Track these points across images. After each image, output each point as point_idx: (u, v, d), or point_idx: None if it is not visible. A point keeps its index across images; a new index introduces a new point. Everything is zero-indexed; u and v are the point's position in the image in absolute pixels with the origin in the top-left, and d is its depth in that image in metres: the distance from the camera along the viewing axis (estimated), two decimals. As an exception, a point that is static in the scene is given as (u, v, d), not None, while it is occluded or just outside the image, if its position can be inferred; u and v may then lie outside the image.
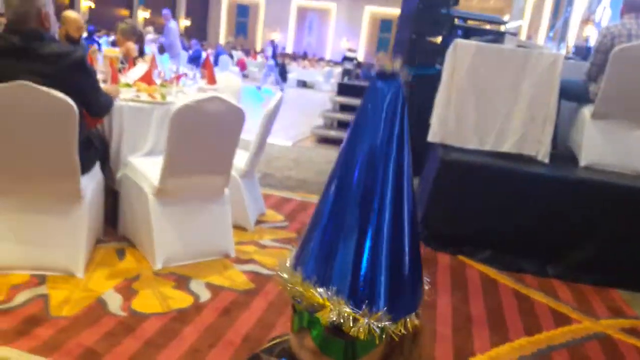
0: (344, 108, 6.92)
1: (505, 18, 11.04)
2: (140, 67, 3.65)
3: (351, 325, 0.62)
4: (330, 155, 5.29)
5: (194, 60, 11.06)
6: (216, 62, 12.49)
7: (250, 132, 2.97)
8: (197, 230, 2.60)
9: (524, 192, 3.00)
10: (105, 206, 2.71)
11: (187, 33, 18.24)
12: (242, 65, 16.17)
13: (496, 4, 18.32)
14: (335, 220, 0.66)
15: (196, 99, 2.33)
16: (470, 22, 5.45)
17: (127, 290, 2.24)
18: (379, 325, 0.63)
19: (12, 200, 2.24)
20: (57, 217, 2.29)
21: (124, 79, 3.26)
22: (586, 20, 8.74)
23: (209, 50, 14.61)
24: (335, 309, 0.63)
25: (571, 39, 9.34)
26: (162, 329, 1.99)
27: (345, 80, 8.93)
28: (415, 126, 3.20)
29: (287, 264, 0.70)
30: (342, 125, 6.66)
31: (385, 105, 0.66)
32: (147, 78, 3.17)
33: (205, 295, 2.28)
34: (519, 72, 3.16)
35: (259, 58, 18.24)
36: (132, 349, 1.85)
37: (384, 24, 20.97)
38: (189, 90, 3.43)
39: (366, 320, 0.63)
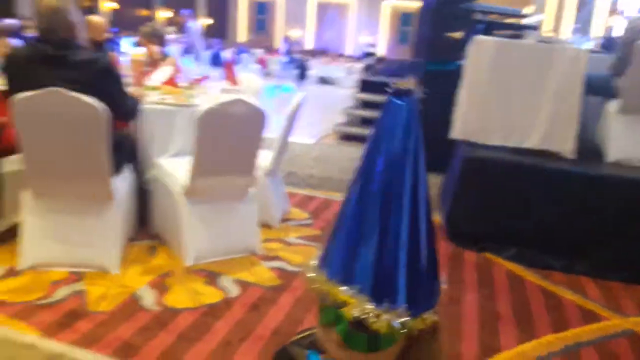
0: (366, 105, 6.89)
1: (529, 10, 10.84)
2: (164, 70, 3.74)
3: (373, 320, 0.68)
4: (353, 153, 5.29)
5: (215, 59, 11.18)
6: (237, 61, 12.60)
7: (271, 130, 3.01)
8: (225, 228, 2.67)
9: (550, 189, 2.99)
10: (137, 206, 2.80)
11: (209, 32, 18.40)
12: (262, 64, 16.25)
13: (518, -5, 17.96)
14: (357, 224, 0.73)
15: (220, 102, 2.39)
16: (491, 17, 5.38)
17: (160, 286, 2.33)
18: (399, 321, 0.69)
19: (51, 202, 2.36)
20: (91, 217, 2.40)
21: (149, 82, 3.35)
22: (612, 11, 8.54)
23: (231, 49, 14.72)
24: (358, 305, 0.69)
25: (598, 31, 9.13)
26: (194, 323, 2.07)
27: (367, 76, 8.88)
28: (439, 123, 3.22)
29: (313, 264, 0.77)
30: (365, 122, 6.62)
31: (402, 119, 0.73)
32: (171, 82, 3.27)
33: (234, 291, 2.35)
34: (542, 68, 3.13)
35: (279, 56, 18.30)
36: (167, 342, 1.93)
37: (405, 17, 20.78)
38: (213, 91, 3.50)
39: (387, 316, 0.69)
